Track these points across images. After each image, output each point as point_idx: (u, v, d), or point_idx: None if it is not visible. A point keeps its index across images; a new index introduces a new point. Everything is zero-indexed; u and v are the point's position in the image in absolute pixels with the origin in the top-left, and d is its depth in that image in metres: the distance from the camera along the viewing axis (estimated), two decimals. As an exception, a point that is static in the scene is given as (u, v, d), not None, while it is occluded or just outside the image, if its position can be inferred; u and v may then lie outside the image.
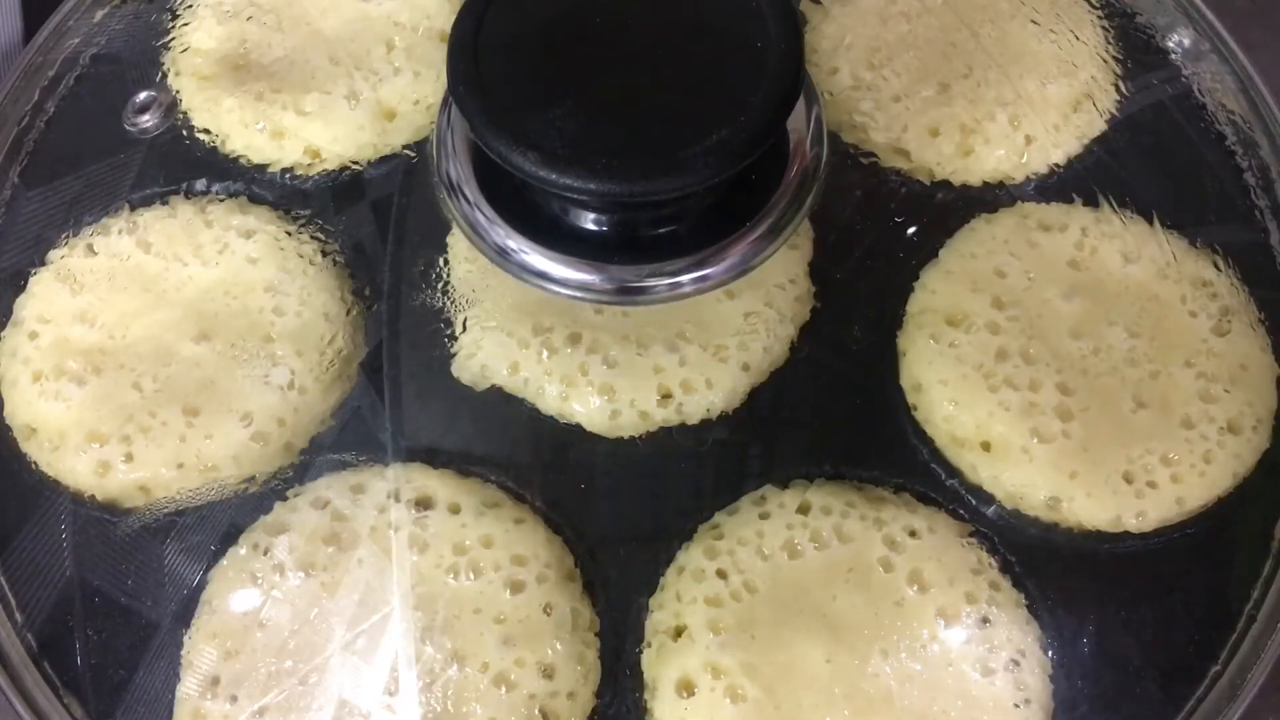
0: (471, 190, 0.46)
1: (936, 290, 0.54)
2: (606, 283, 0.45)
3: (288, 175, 0.56)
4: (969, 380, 0.51)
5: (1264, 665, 0.46)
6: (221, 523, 0.49)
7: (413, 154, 0.56)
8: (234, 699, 0.45)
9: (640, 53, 0.44)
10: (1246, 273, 0.53)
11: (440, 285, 0.53)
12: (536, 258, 0.45)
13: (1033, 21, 0.58)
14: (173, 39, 0.60)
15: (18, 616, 0.48)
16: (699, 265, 0.45)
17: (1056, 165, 0.56)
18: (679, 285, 0.45)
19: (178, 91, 0.58)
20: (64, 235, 0.55)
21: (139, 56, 0.60)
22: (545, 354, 0.51)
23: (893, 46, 0.58)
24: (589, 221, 0.45)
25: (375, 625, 0.45)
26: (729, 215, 0.44)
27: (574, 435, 0.51)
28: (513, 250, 0.46)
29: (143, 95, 0.58)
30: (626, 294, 0.45)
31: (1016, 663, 0.46)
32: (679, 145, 0.41)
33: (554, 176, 0.41)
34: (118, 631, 0.48)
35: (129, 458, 0.50)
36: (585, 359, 0.51)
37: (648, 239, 0.45)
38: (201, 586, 0.48)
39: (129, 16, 0.61)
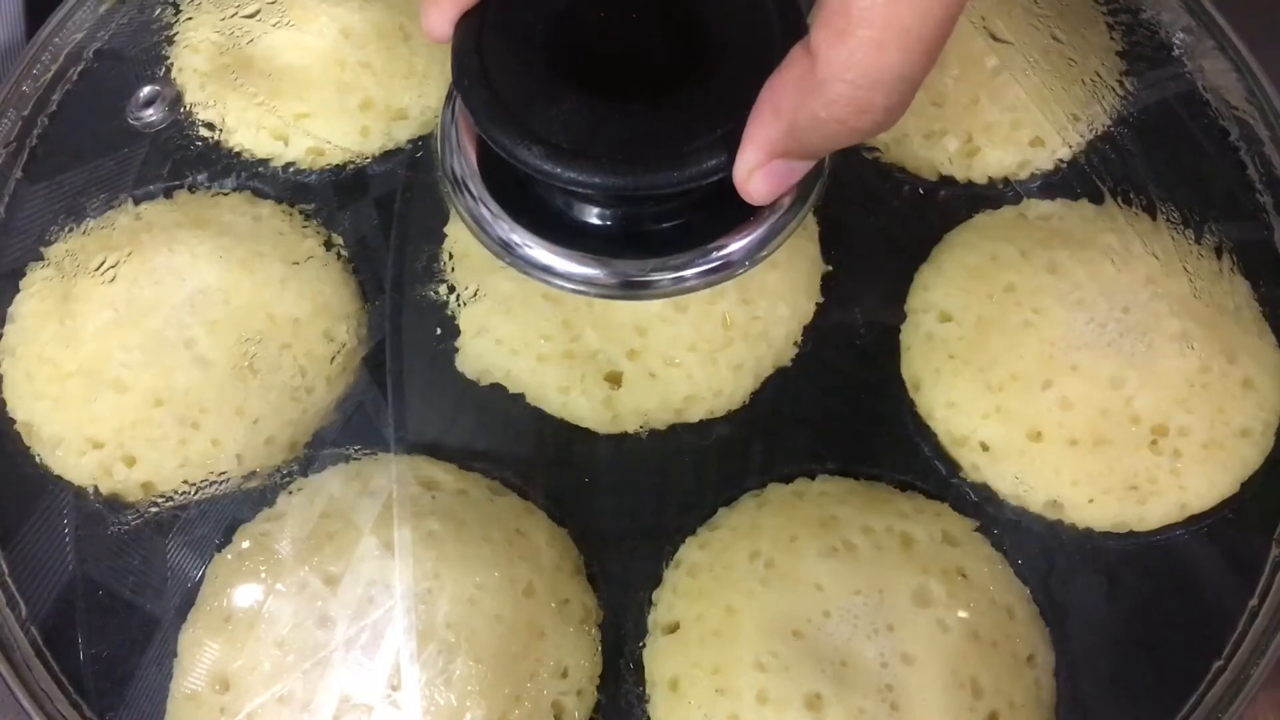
0: (476, 185, 0.46)
1: (936, 287, 0.53)
2: (610, 277, 0.45)
3: (291, 169, 0.56)
4: (969, 379, 0.51)
5: (1267, 663, 0.46)
6: (224, 517, 0.49)
7: (417, 149, 0.56)
8: (235, 694, 0.45)
9: (645, 47, 0.44)
10: (1251, 269, 0.53)
11: (444, 280, 0.53)
12: (540, 252, 0.45)
13: (1037, 17, 0.58)
14: (176, 33, 0.60)
15: (22, 610, 0.48)
16: (703, 259, 0.45)
17: (1060, 161, 0.56)
18: (683, 280, 0.45)
19: (181, 86, 0.58)
20: (67, 230, 0.55)
21: (143, 51, 0.60)
22: (548, 350, 0.51)
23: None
24: (593, 216, 0.45)
25: (379, 620, 0.45)
26: (734, 209, 0.44)
27: (576, 431, 0.51)
28: (517, 245, 0.45)
29: (147, 90, 0.58)
30: (631, 288, 0.45)
31: (1019, 659, 0.46)
32: (684, 139, 0.41)
33: (559, 170, 0.41)
34: (121, 626, 0.48)
35: (131, 456, 0.50)
36: (587, 355, 0.51)
37: (652, 233, 0.45)
38: (204, 581, 0.48)
39: (133, 10, 0.61)
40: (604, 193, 0.43)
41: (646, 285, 0.45)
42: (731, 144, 0.41)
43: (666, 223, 0.45)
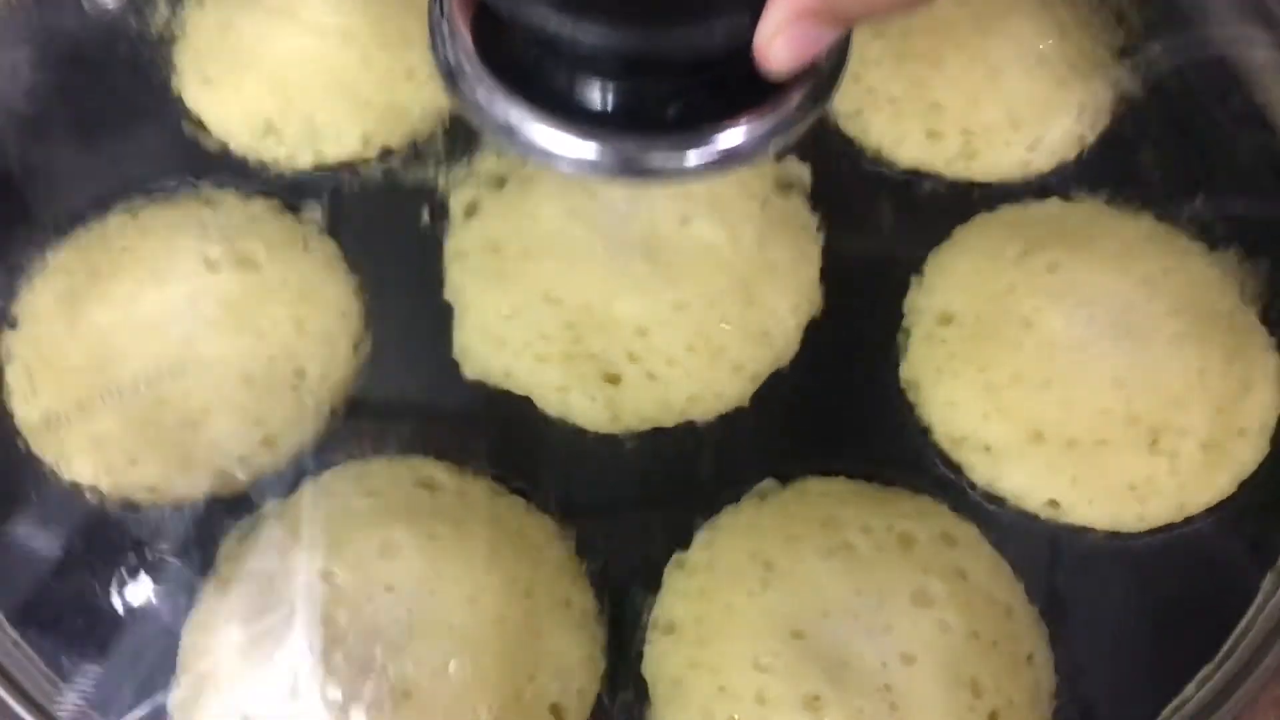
0: (473, 67, 0.44)
1: (936, 287, 0.54)
2: (610, 157, 0.42)
3: (290, 169, 0.56)
4: (969, 379, 0.51)
5: (1268, 664, 0.46)
6: (225, 518, 0.49)
7: (417, 149, 0.56)
8: (237, 694, 0.45)
9: None
10: (1250, 268, 0.53)
11: (441, 280, 0.53)
12: (540, 131, 0.42)
13: (1041, 14, 0.58)
14: (175, 32, 0.60)
15: (12, 609, 0.48)
16: (707, 144, 0.42)
17: (1063, 160, 0.56)
18: (684, 166, 0.42)
19: (180, 87, 0.58)
20: (67, 230, 0.55)
21: (141, 52, 0.60)
22: (548, 350, 0.51)
23: (895, 41, 0.58)
24: (595, 97, 0.43)
25: (379, 620, 0.45)
26: (744, 97, 0.41)
27: (577, 431, 0.51)
28: (516, 127, 0.43)
29: None
30: (630, 171, 0.42)
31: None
32: None
33: (567, 25, 0.38)
34: (120, 626, 0.48)
35: (131, 456, 0.50)
36: (587, 355, 0.51)
37: (657, 116, 0.42)
38: (204, 581, 0.48)
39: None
40: (616, 55, 0.40)
41: (647, 170, 0.42)
42: (755, 3, 0.38)
43: (672, 105, 0.43)
